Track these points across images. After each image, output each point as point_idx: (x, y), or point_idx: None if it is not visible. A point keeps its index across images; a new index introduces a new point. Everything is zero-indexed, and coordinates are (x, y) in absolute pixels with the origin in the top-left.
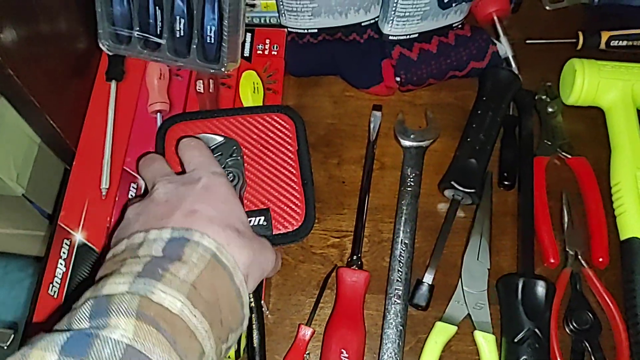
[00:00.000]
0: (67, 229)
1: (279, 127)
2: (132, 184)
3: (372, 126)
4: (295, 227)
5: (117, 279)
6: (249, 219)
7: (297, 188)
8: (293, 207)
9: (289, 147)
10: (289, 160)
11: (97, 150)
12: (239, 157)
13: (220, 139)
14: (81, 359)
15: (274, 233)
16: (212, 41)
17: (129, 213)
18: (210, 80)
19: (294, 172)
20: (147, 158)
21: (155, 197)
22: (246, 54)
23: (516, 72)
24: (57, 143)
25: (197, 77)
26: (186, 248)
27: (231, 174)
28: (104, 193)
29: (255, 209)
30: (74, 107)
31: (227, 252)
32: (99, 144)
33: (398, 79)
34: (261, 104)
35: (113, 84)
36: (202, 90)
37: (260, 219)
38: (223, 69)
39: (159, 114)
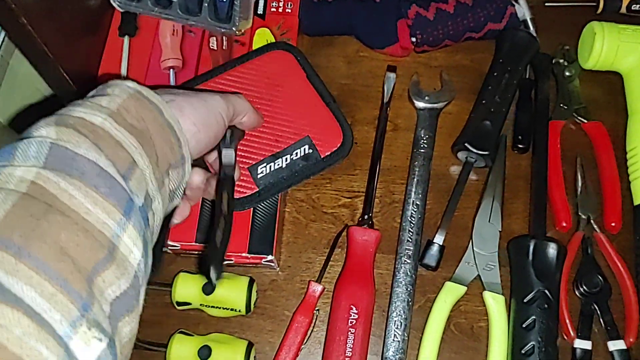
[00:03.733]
0: None
1: (280, 62)
2: None
3: (386, 87)
4: (339, 144)
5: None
6: (294, 152)
7: (323, 109)
8: (328, 126)
9: (297, 76)
10: (303, 88)
11: None
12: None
13: None
14: (9, 162)
15: (322, 156)
16: None
17: None
18: (224, 37)
19: (314, 96)
20: None
21: None
22: (260, 11)
23: (534, 34)
24: (71, 97)
25: (210, 34)
26: (108, 88)
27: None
28: None
29: (296, 141)
30: (87, 61)
31: (154, 92)
32: None
33: (414, 39)
34: None
35: (126, 39)
36: (215, 47)
37: (304, 149)
38: (234, 29)
39: (171, 70)
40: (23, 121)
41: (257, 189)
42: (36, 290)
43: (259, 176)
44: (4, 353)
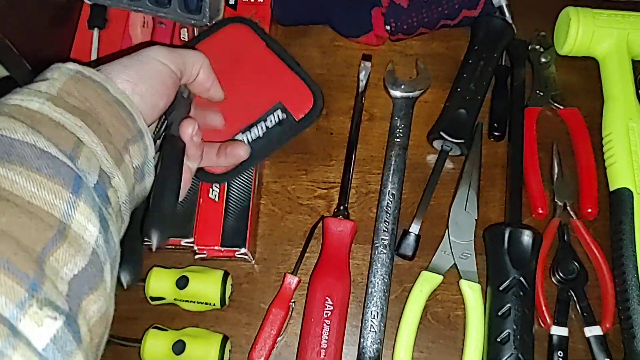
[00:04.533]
0: None
1: (237, 35)
2: None
3: (361, 76)
4: (311, 105)
5: None
6: (269, 119)
7: (289, 74)
8: (297, 90)
9: (257, 46)
10: (266, 57)
11: None
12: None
13: None
14: None
15: (297, 119)
16: None
17: None
18: (195, 28)
19: (277, 63)
20: None
21: None
22: (231, 1)
23: (509, 21)
24: None
25: (181, 25)
26: (48, 72)
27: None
28: None
29: (269, 109)
30: (55, 55)
31: (95, 71)
32: None
33: (388, 27)
34: None
35: (95, 32)
36: (186, 39)
37: (278, 115)
38: (205, 20)
39: None
40: None
41: None
42: None
43: None
44: None
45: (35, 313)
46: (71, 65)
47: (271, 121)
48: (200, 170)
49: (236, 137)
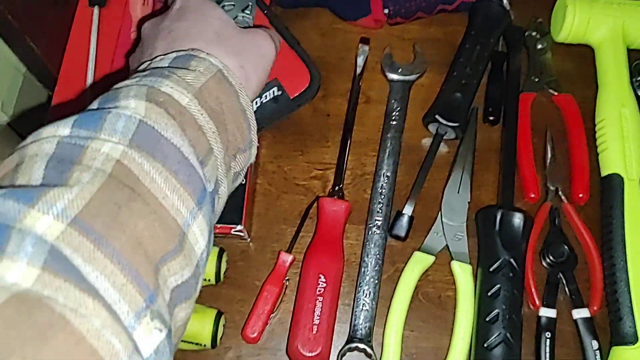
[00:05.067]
0: None
1: None
2: None
3: (359, 60)
4: (307, 84)
5: (124, 82)
6: (264, 95)
7: (288, 52)
8: (294, 68)
9: (260, 22)
10: None
11: (79, 77)
12: (250, 16)
13: None
14: (95, 134)
15: (291, 97)
16: None
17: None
18: None
19: None
20: None
21: (142, 37)
22: None
23: (507, 7)
24: (40, 69)
25: None
26: (193, 61)
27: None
28: None
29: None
30: (56, 32)
31: (234, 75)
32: (82, 71)
33: (386, 10)
34: None
35: (96, 9)
36: None
37: (273, 91)
38: None
39: None
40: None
41: None
42: (109, 280)
43: None
44: (81, 344)
45: (147, 324)
46: (214, 61)
47: (266, 97)
48: None
49: None
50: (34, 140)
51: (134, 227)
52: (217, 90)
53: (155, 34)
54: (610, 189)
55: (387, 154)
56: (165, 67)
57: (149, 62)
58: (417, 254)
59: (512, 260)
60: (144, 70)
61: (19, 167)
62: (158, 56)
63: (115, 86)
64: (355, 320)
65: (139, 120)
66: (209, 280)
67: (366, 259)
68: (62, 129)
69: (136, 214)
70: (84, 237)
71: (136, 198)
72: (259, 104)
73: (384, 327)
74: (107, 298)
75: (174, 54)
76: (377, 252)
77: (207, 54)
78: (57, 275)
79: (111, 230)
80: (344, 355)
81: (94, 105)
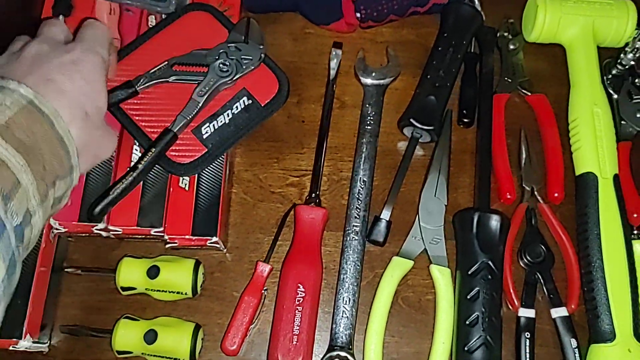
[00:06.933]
0: None
1: (199, 22)
2: None
3: (332, 64)
4: (276, 90)
5: None
6: (234, 106)
7: None
8: (261, 76)
9: (219, 33)
10: None
11: None
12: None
13: None
14: None
15: (262, 105)
16: None
17: None
18: (163, 15)
19: None
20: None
21: (24, 54)
22: None
23: (478, 8)
24: None
25: (149, 12)
26: (0, 94)
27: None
28: None
29: (233, 95)
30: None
31: (47, 103)
32: None
33: (358, 14)
34: None
35: (60, 19)
36: None
37: (243, 101)
38: (171, 7)
39: None
40: None
41: (206, 149)
42: None
43: (204, 136)
44: None
45: None
46: (24, 91)
47: (237, 107)
48: (166, 160)
49: (202, 126)
50: None
51: None
52: (27, 122)
53: (30, 60)
54: (584, 188)
55: (363, 158)
56: None
57: None
58: (395, 259)
59: (490, 262)
60: None
61: None
62: None
63: None
64: (335, 327)
65: None
66: (186, 293)
67: (345, 265)
68: None
69: None
70: None
71: None
72: (230, 116)
73: (365, 333)
74: None
75: None
76: (356, 259)
77: (19, 82)
78: None
79: None
80: None
81: None
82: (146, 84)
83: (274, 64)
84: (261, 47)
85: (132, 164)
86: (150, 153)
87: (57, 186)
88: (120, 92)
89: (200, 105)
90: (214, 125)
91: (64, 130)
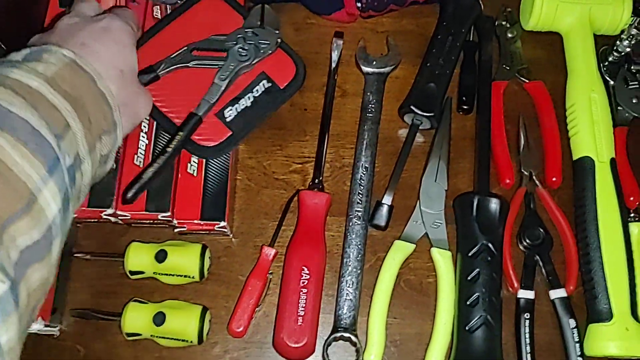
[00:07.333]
0: None
1: (213, 9)
2: None
3: (333, 54)
4: (294, 73)
5: None
6: (255, 89)
7: None
8: (278, 59)
9: (234, 19)
10: None
11: None
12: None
13: None
14: None
15: (282, 87)
16: None
17: (33, 40)
18: (167, 5)
19: None
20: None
21: (58, 27)
22: None
23: None
24: None
25: (154, 3)
26: (44, 54)
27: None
28: None
29: (253, 79)
30: (27, 32)
31: (89, 63)
32: None
33: (359, 4)
34: None
35: (67, 10)
36: (159, 16)
37: (263, 84)
38: None
39: None
40: None
41: (231, 132)
42: None
43: (227, 119)
44: None
45: None
46: (66, 52)
47: (257, 91)
48: (192, 144)
49: (225, 109)
50: None
51: None
52: (71, 77)
53: (64, 31)
54: (582, 172)
55: (364, 145)
56: (17, 60)
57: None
58: (397, 242)
59: (490, 244)
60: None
61: None
62: (13, 52)
63: None
64: (339, 310)
65: None
66: (193, 277)
67: (348, 249)
68: None
69: None
70: None
71: None
72: (252, 99)
73: (368, 315)
74: None
75: (28, 50)
76: (359, 243)
77: (60, 46)
78: None
79: None
80: (329, 345)
81: None
82: (167, 69)
83: (290, 48)
84: (277, 32)
85: (143, 150)
86: (178, 137)
87: (103, 142)
88: (142, 76)
89: (222, 89)
90: (236, 108)
91: (105, 87)
